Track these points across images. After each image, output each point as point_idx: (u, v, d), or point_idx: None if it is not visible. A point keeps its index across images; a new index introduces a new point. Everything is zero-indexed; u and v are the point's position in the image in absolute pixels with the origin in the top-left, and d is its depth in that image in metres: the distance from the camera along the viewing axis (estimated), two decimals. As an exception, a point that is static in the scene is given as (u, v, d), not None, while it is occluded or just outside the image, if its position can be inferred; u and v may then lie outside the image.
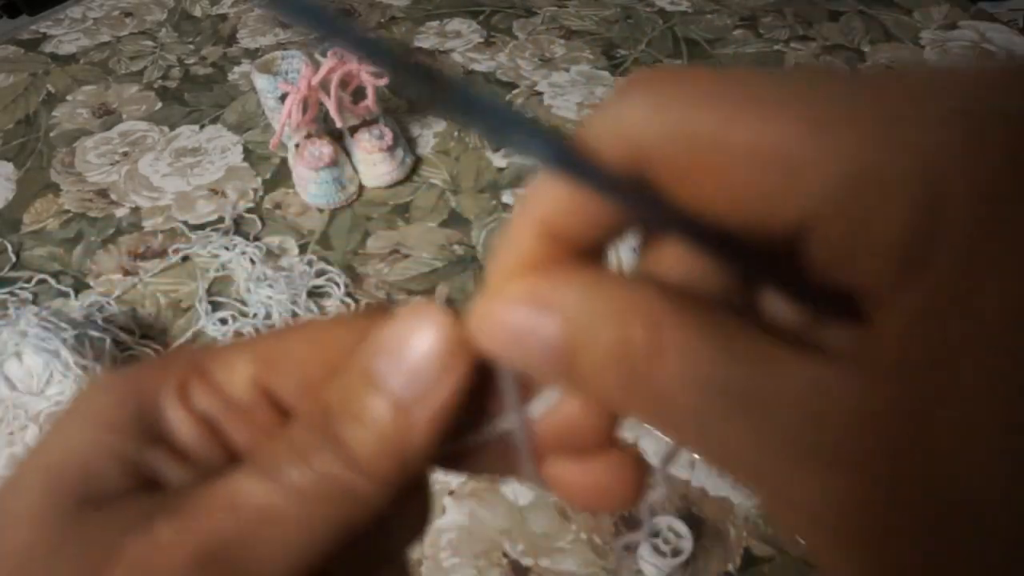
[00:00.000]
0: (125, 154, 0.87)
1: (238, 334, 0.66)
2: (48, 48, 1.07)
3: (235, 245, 0.73)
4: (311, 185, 0.77)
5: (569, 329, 0.13)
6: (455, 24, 1.07)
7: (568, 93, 0.92)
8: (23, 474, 0.15)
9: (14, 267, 0.74)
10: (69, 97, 0.97)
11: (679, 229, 0.13)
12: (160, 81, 0.99)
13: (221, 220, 0.77)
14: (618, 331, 0.12)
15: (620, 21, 1.06)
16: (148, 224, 0.78)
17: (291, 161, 0.81)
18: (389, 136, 0.79)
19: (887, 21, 1.02)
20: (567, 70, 0.96)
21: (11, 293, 0.71)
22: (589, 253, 0.14)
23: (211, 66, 1.02)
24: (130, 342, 0.65)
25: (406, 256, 0.73)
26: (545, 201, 0.14)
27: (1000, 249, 0.09)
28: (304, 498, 0.14)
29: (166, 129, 0.91)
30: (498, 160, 0.83)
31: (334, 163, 0.77)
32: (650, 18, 1.06)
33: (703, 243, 0.13)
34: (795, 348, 0.11)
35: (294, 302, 0.67)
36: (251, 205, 0.79)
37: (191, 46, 1.06)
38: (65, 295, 0.71)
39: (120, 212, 0.80)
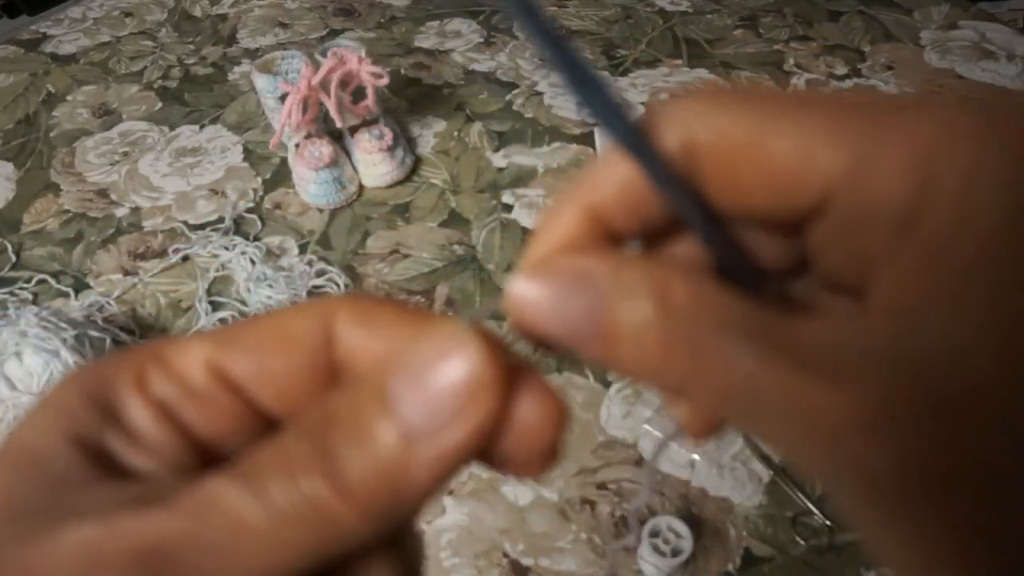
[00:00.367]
0: (125, 154, 0.87)
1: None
2: (48, 48, 1.07)
3: (235, 245, 0.73)
4: (311, 185, 0.77)
5: (611, 295, 0.14)
6: (455, 24, 1.07)
7: (568, 93, 0.92)
8: None
9: (14, 267, 0.74)
10: (69, 97, 0.97)
11: (708, 232, 0.15)
12: (160, 81, 0.99)
13: (221, 220, 0.77)
14: (659, 292, 0.14)
15: (620, 21, 1.06)
16: (148, 224, 0.78)
17: (291, 161, 0.81)
18: (389, 136, 0.79)
19: (887, 21, 1.02)
20: (567, 70, 0.96)
21: (11, 293, 0.71)
22: (618, 242, 0.16)
23: (211, 66, 1.02)
24: (130, 342, 0.65)
25: (406, 256, 0.73)
26: (599, 186, 0.16)
27: (977, 212, 0.12)
28: (282, 518, 0.13)
29: (166, 129, 0.91)
30: (498, 160, 0.83)
31: (334, 163, 0.77)
32: (650, 18, 1.06)
33: (724, 251, 0.15)
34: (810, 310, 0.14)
35: (294, 302, 0.67)
36: (251, 205, 0.79)
37: (191, 46, 1.06)
38: (65, 295, 0.71)
39: (120, 212, 0.80)
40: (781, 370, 0.13)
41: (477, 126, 0.88)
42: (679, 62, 0.97)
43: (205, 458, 0.16)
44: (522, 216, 0.77)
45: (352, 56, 0.76)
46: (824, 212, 0.14)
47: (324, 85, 0.75)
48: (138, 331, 0.67)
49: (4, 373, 0.58)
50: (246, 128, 0.90)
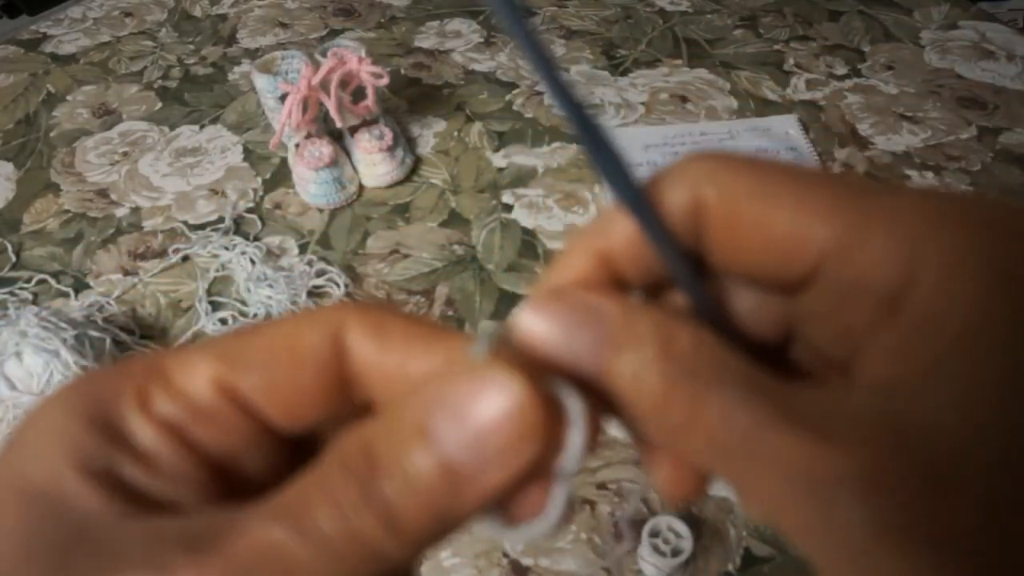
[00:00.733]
0: (125, 154, 0.87)
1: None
2: (48, 48, 1.07)
3: (235, 245, 0.73)
4: (311, 185, 0.77)
5: (618, 332, 0.15)
6: (455, 24, 1.07)
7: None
8: None
9: (14, 267, 0.74)
10: (69, 97, 0.97)
11: (697, 294, 0.17)
12: (160, 81, 0.99)
13: (221, 220, 0.77)
14: (664, 336, 0.14)
15: (620, 21, 1.06)
16: (148, 224, 0.78)
17: (291, 161, 0.81)
18: (389, 136, 0.79)
19: (887, 21, 1.02)
20: (567, 70, 0.96)
21: (11, 293, 0.71)
22: (624, 288, 0.17)
23: (211, 66, 1.02)
24: (130, 342, 0.65)
25: (406, 256, 0.73)
26: (609, 234, 0.17)
27: (955, 304, 0.13)
28: (334, 556, 0.13)
29: (166, 129, 0.91)
30: (498, 160, 0.83)
31: (334, 163, 0.77)
32: (650, 18, 1.06)
33: (711, 314, 0.17)
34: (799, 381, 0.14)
35: (294, 302, 0.67)
36: (251, 205, 0.79)
37: (191, 46, 1.06)
38: (65, 295, 0.71)
39: (120, 212, 0.80)
40: (775, 423, 0.13)
41: (477, 126, 0.88)
42: (679, 62, 0.97)
43: (217, 475, 0.15)
44: (522, 216, 0.77)
45: (352, 56, 0.76)
46: (815, 282, 0.15)
47: (324, 85, 0.75)
48: (138, 331, 0.67)
49: (4, 373, 0.58)
50: (246, 128, 0.90)
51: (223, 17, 1.12)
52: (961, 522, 0.12)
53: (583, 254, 0.17)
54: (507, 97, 0.92)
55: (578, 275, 0.17)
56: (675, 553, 0.48)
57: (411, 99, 0.93)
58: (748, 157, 0.16)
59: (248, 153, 0.86)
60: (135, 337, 0.66)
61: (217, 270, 0.72)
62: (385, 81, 0.77)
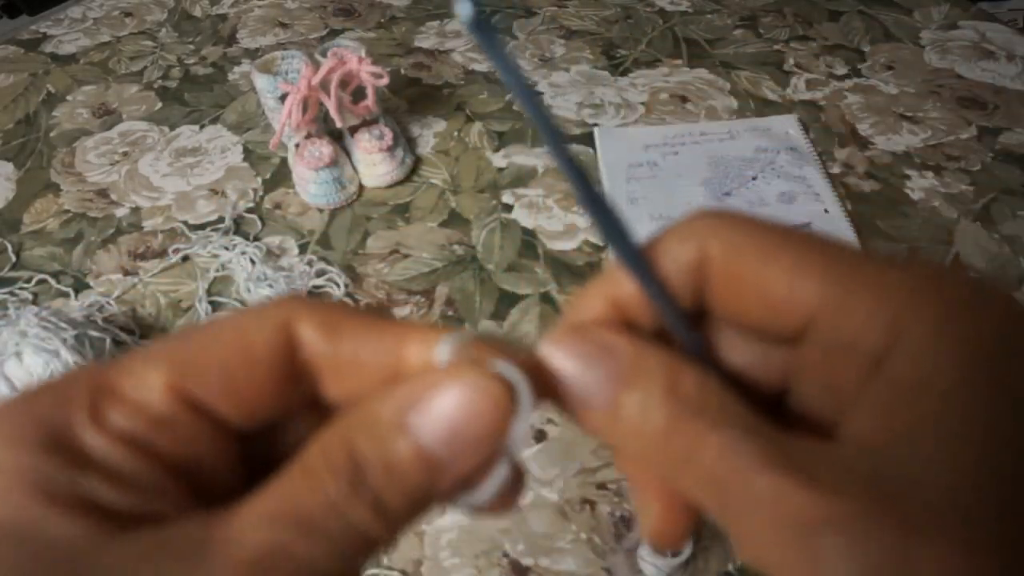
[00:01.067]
0: (125, 154, 0.87)
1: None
2: (48, 48, 1.07)
3: (235, 245, 0.73)
4: (311, 185, 0.77)
5: (629, 370, 0.16)
6: (455, 24, 1.07)
7: (568, 93, 0.92)
8: None
9: (14, 267, 0.74)
10: (69, 97, 0.97)
11: (692, 345, 0.18)
12: (160, 81, 0.99)
13: (221, 220, 0.77)
14: (671, 377, 0.16)
15: (620, 21, 1.06)
16: (148, 224, 0.78)
17: (291, 161, 0.81)
18: (389, 136, 0.79)
19: (887, 21, 1.02)
20: (567, 70, 0.96)
21: (11, 293, 0.71)
22: (637, 329, 0.18)
23: (211, 66, 1.02)
24: (130, 342, 0.65)
25: (406, 256, 0.73)
26: (621, 283, 0.18)
27: (935, 373, 0.14)
28: (332, 545, 0.14)
29: (166, 129, 0.91)
30: (498, 160, 0.83)
31: (334, 163, 0.77)
32: (650, 18, 1.06)
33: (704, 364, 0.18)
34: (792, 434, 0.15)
35: (294, 302, 0.67)
36: (251, 205, 0.79)
37: (191, 46, 1.06)
38: (65, 295, 0.71)
39: (120, 212, 0.80)
40: (770, 466, 0.14)
41: (477, 126, 0.88)
42: (679, 62, 0.97)
43: (183, 482, 0.15)
44: (522, 216, 0.77)
45: (352, 56, 0.76)
46: (807, 338, 0.16)
47: (324, 85, 0.75)
48: (138, 331, 0.67)
49: (4, 373, 0.58)
50: (246, 128, 0.90)
51: (223, 17, 1.12)
52: (945, 569, 0.12)
53: (598, 298, 0.18)
54: (507, 97, 0.92)
55: (593, 316, 0.18)
56: (675, 553, 0.48)
57: (411, 99, 0.93)
58: (750, 216, 0.17)
59: (248, 153, 0.86)
60: (135, 337, 0.66)
61: (217, 270, 0.72)
62: (385, 81, 0.77)
